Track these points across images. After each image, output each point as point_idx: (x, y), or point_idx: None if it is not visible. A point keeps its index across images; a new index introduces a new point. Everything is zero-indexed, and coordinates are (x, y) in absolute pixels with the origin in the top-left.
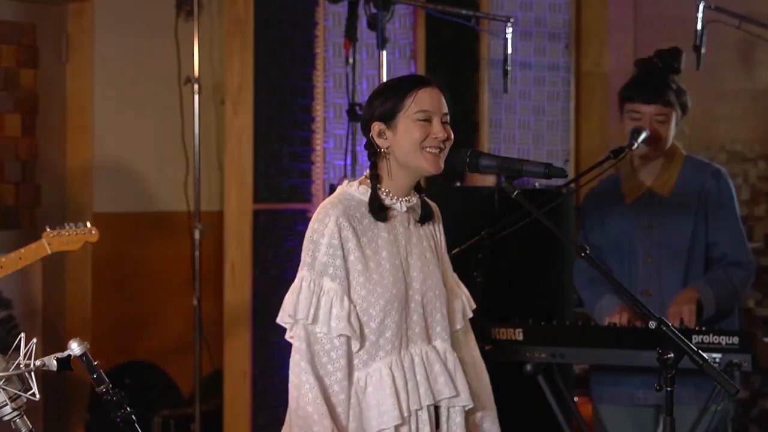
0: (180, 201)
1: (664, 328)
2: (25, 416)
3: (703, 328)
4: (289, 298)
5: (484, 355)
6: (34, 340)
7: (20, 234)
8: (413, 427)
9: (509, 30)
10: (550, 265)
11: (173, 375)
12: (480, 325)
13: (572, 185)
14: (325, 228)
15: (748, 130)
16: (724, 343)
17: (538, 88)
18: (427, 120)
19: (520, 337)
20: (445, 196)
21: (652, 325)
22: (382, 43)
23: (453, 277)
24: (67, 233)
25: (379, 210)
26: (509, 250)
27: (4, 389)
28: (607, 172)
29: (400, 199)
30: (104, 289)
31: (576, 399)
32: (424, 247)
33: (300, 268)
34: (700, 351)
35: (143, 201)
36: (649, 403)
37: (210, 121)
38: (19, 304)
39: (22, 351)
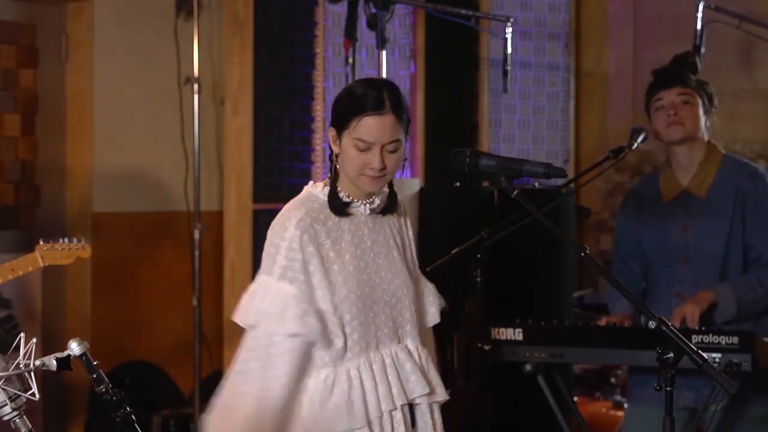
0: (180, 201)
1: (664, 328)
2: (24, 416)
3: (703, 328)
4: (246, 302)
5: (485, 355)
6: (34, 340)
7: (20, 234)
8: (388, 428)
9: (509, 30)
10: (550, 265)
11: (173, 375)
12: (480, 325)
13: (572, 185)
14: (285, 232)
15: (747, 130)
16: (723, 343)
17: (537, 88)
18: (366, 149)
19: (520, 337)
20: (445, 196)
21: (652, 325)
22: (381, 43)
23: (420, 275)
24: (60, 248)
25: (338, 207)
26: (509, 250)
27: (3, 389)
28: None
29: (362, 201)
30: (104, 289)
31: (576, 399)
32: (391, 246)
33: (260, 272)
34: (699, 351)
35: (143, 201)
36: (688, 406)
37: (210, 121)
38: (19, 304)
39: (22, 351)
